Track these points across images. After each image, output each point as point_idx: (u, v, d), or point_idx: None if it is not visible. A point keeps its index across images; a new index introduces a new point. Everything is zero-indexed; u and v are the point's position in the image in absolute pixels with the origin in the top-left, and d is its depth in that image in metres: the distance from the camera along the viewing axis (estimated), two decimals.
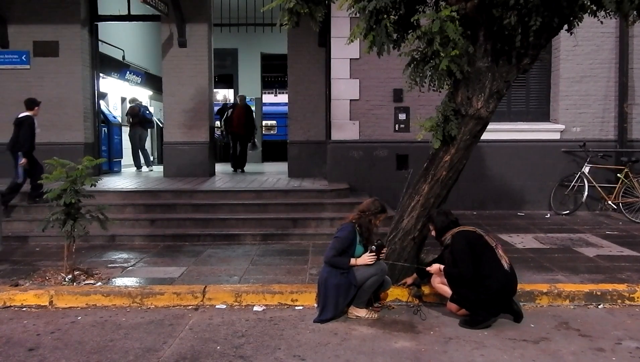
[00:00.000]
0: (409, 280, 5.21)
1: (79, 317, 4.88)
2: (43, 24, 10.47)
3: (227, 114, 12.80)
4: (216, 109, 15.18)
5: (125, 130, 13.67)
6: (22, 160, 7.93)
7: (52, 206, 5.77)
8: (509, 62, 5.05)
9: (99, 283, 5.56)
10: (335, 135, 9.94)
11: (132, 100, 13.86)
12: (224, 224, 7.94)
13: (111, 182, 9.94)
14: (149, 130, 14.01)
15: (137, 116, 13.26)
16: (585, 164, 9.46)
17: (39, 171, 7.81)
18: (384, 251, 4.89)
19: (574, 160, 9.80)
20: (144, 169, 13.01)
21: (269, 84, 18.74)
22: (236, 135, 12.64)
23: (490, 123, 5.36)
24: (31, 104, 8.37)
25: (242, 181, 9.96)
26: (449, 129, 5.04)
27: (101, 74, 11.80)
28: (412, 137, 9.26)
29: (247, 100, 16.62)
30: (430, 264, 5.02)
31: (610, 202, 9.32)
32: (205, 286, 5.32)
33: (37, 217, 7.39)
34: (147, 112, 13.87)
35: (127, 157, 13.35)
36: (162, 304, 5.16)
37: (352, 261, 4.74)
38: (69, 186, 5.52)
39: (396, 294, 5.21)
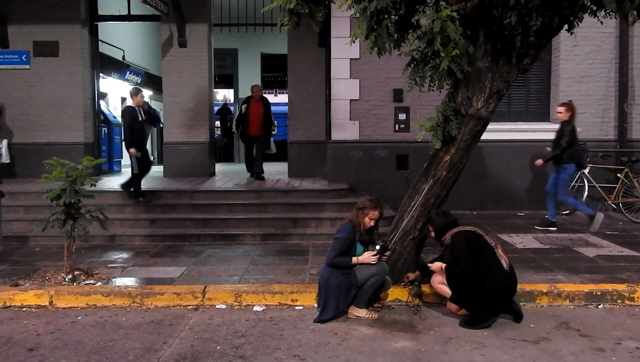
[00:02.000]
0: (411, 275, 5.21)
1: (79, 317, 4.88)
2: (43, 24, 10.47)
3: (241, 110, 10.51)
4: (216, 109, 15.15)
5: None
6: (131, 150, 8.16)
7: (52, 205, 5.77)
8: (509, 62, 5.05)
9: (99, 283, 5.57)
10: (335, 135, 9.94)
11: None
12: (224, 224, 7.94)
13: (111, 182, 9.93)
14: (153, 129, 14.03)
15: (147, 113, 13.25)
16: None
17: (143, 168, 8.26)
18: (387, 253, 4.89)
19: None
20: None
21: (269, 84, 18.73)
22: (253, 137, 10.41)
23: (490, 123, 5.36)
24: (132, 92, 8.56)
25: (242, 181, 9.95)
26: (449, 129, 5.04)
27: (101, 74, 11.79)
28: (412, 137, 9.26)
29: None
30: (431, 263, 5.02)
31: (610, 202, 9.31)
32: (205, 286, 5.32)
33: (37, 217, 7.38)
34: (156, 110, 13.86)
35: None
36: (162, 304, 5.16)
37: (354, 259, 4.74)
38: (68, 186, 5.52)
39: (396, 294, 5.21)
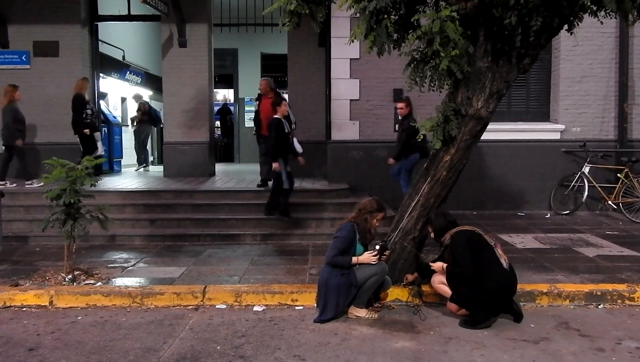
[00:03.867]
0: (410, 277, 5.22)
1: (79, 317, 4.88)
2: (43, 24, 10.46)
3: (255, 107, 9.39)
4: (216, 109, 15.12)
5: (125, 130, 13.66)
6: (275, 164, 7.54)
7: (52, 205, 5.77)
8: (509, 62, 5.06)
9: (99, 283, 5.57)
10: (335, 135, 9.94)
11: (138, 97, 13.86)
12: (224, 224, 7.94)
13: (111, 182, 9.94)
14: (154, 129, 14.06)
15: (147, 113, 13.32)
16: (585, 164, 9.46)
17: (287, 181, 7.59)
18: (387, 253, 4.90)
19: (574, 160, 9.80)
20: (141, 168, 12.94)
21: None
22: (264, 136, 8.83)
23: (490, 123, 5.36)
24: (276, 103, 7.88)
25: (242, 181, 9.95)
26: (449, 129, 5.04)
27: (101, 74, 11.79)
28: None
29: (247, 100, 16.68)
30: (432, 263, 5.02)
31: (610, 202, 9.32)
32: (205, 286, 5.32)
33: (37, 217, 7.39)
34: (157, 110, 13.92)
35: (127, 157, 13.34)
36: (162, 304, 5.16)
37: (354, 259, 4.74)
38: (68, 186, 5.52)
39: (396, 294, 5.21)
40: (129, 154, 13.47)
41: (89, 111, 9.81)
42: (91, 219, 5.72)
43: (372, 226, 4.94)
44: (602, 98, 9.86)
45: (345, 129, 9.88)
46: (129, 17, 11.53)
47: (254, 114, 9.62)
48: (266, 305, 5.15)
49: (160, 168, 12.05)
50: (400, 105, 8.48)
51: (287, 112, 7.97)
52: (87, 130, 9.70)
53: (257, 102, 9.41)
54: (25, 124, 9.38)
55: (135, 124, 13.53)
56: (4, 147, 9.19)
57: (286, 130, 7.73)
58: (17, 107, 9.23)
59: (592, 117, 9.89)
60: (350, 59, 9.75)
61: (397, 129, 9.78)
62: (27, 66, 10.57)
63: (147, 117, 13.32)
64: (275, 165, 7.52)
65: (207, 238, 7.56)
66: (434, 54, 4.61)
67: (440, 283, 4.89)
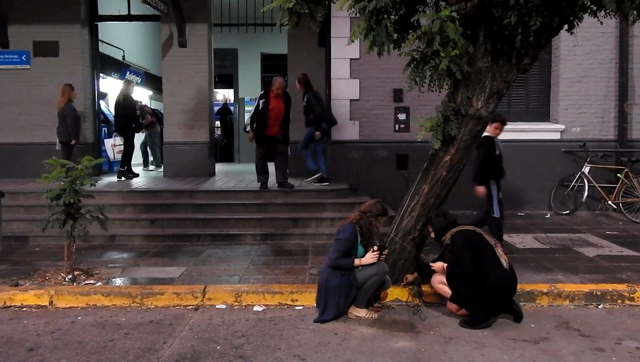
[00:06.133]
0: (410, 277, 5.22)
1: (79, 317, 4.88)
2: (43, 24, 10.46)
3: (259, 105, 8.75)
4: (216, 109, 15.09)
5: None
6: (479, 189, 6.54)
7: (52, 205, 5.77)
8: (509, 62, 5.06)
9: (99, 283, 5.57)
10: (335, 135, 9.94)
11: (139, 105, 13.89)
12: (224, 224, 7.94)
13: (111, 183, 9.93)
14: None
15: (154, 114, 13.33)
16: (585, 164, 9.47)
17: (498, 209, 6.55)
18: (386, 252, 4.90)
19: (574, 160, 9.81)
20: (147, 169, 12.93)
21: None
22: (271, 138, 8.80)
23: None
24: (491, 119, 6.05)
25: (242, 181, 9.95)
26: (449, 129, 5.04)
27: (101, 74, 11.79)
28: (412, 137, 9.26)
29: (247, 100, 16.67)
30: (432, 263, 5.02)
31: (610, 202, 9.32)
32: (205, 286, 5.32)
33: (37, 217, 7.38)
34: (158, 110, 13.93)
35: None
36: (162, 304, 5.16)
37: (356, 261, 4.74)
38: (68, 186, 5.52)
39: (396, 294, 5.21)
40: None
41: (138, 112, 10.32)
42: (91, 219, 5.72)
43: (377, 228, 4.94)
44: (602, 98, 9.86)
45: (345, 129, 9.88)
46: (129, 17, 11.52)
47: (253, 111, 8.89)
48: (266, 305, 5.14)
49: (160, 168, 12.05)
50: (297, 83, 9.31)
51: (498, 133, 6.65)
52: (144, 130, 9.98)
53: (262, 100, 8.72)
54: (81, 123, 9.73)
55: (144, 128, 13.40)
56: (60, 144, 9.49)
57: (497, 152, 6.63)
58: (74, 106, 9.48)
59: (592, 117, 9.89)
60: (350, 58, 9.76)
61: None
62: (27, 66, 10.57)
63: (155, 118, 13.33)
64: (479, 189, 6.55)
65: (207, 238, 7.56)
66: (434, 54, 4.62)
67: (440, 283, 4.89)
